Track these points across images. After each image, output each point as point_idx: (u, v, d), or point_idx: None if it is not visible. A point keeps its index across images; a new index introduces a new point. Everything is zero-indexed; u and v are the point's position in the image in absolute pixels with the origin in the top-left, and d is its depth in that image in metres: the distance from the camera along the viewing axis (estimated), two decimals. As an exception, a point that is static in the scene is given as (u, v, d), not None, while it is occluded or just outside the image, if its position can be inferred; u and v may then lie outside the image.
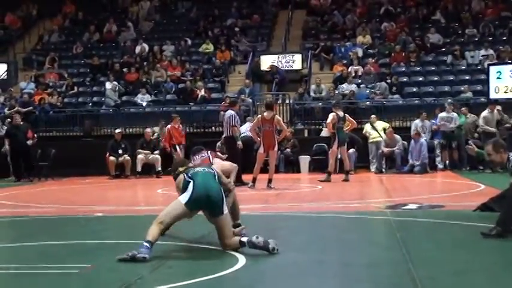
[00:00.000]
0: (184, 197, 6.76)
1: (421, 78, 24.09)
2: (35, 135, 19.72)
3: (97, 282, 5.70)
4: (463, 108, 20.03)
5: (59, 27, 30.43)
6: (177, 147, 19.51)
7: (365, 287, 5.40)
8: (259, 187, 14.68)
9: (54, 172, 19.40)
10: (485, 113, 19.08)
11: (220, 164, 7.84)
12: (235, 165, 8.20)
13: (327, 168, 16.86)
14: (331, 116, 16.20)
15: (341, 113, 16.34)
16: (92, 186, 17.34)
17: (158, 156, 19.84)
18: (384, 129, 19.85)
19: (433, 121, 19.88)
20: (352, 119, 16.92)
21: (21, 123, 19.67)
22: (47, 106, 23.39)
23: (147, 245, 6.44)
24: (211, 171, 7.10)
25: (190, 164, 7.50)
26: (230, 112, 15.82)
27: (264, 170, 15.39)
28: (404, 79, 23.93)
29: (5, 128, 20.95)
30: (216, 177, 7.05)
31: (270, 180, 14.80)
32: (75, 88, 25.43)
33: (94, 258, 6.69)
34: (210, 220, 6.96)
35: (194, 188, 6.77)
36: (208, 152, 8.36)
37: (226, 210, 6.91)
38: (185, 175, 6.96)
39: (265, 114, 14.97)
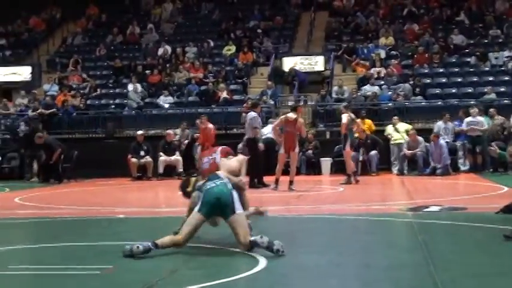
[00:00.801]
0: (197, 206, 6.97)
1: (444, 80, 23.94)
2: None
3: (118, 283, 5.73)
4: (491, 110, 19.77)
5: (83, 29, 30.66)
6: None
7: (384, 289, 5.39)
8: (281, 189, 14.67)
9: (76, 174, 19.52)
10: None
11: (227, 165, 7.68)
12: (242, 157, 8.02)
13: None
14: (345, 117, 16.17)
15: (352, 115, 16.35)
16: (113, 188, 17.43)
17: (180, 158, 19.90)
18: (407, 131, 19.76)
19: (456, 123, 19.75)
20: (359, 122, 16.95)
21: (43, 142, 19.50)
22: (70, 108, 23.55)
23: (150, 243, 6.66)
24: (221, 181, 7.15)
25: (199, 181, 7.52)
26: (252, 114, 15.84)
27: (285, 171, 15.37)
28: (428, 80, 23.80)
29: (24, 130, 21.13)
30: (227, 183, 7.12)
31: (291, 182, 14.80)
32: (98, 90, 25.60)
33: (115, 260, 6.71)
34: (226, 222, 7.02)
35: (204, 194, 6.97)
36: (219, 149, 8.14)
37: (239, 209, 6.98)
38: (200, 193, 7.15)
39: (289, 115, 14.97)
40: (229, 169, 7.56)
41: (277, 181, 14.87)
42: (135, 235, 8.53)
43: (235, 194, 7.06)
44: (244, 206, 7.96)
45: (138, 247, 6.64)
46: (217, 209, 6.94)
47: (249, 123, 15.75)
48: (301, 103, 18.28)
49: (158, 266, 6.35)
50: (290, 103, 20.80)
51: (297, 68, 24.87)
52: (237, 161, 7.82)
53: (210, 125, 19.56)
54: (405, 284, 5.53)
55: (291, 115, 14.92)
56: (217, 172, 7.41)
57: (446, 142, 18.97)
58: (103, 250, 7.44)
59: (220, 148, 8.12)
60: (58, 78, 26.26)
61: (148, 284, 5.51)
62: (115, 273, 6.10)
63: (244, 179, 7.80)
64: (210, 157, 8.02)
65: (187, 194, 7.57)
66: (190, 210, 7.27)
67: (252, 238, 6.79)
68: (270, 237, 6.92)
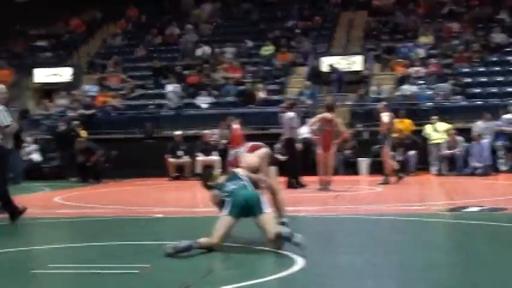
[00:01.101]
0: (226, 209, 7.01)
1: (485, 79, 23.64)
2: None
3: (156, 282, 5.76)
4: None
5: (122, 30, 30.93)
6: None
7: (422, 290, 5.35)
8: (313, 188, 14.68)
9: (115, 173, 19.70)
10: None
11: (247, 161, 7.62)
12: (264, 151, 7.89)
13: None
14: (387, 116, 16.09)
15: (392, 114, 16.33)
16: (151, 188, 17.55)
17: (218, 158, 19.97)
18: (446, 131, 19.58)
19: (497, 123, 19.52)
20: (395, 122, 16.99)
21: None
22: (109, 108, 23.79)
23: (191, 241, 6.73)
24: (242, 183, 7.20)
25: (220, 178, 7.53)
26: (290, 114, 15.83)
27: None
28: (468, 80, 23.53)
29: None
30: (248, 184, 7.20)
31: (328, 182, 14.76)
32: (137, 91, 25.80)
33: (154, 259, 6.76)
34: (255, 222, 7.09)
35: (232, 196, 7.02)
36: (249, 145, 8.05)
37: (267, 209, 7.07)
38: (220, 192, 7.21)
39: (326, 114, 14.94)
40: (248, 165, 7.57)
41: (322, 181, 14.83)
42: (172, 234, 8.60)
43: (261, 195, 7.16)
44: (280, 207, 7.97)
45: (180, 242, 6.72)
46: (247, 210, 7.01)
47: (286, 123, 15.74)
48: (334, 101, 18.15)
49: (195, 265, 6.38)
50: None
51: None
52: (257, 156, 7.78)
53: (235, 126, 19.54)
54: (442, 285, 5.48)
55: (328, 114, 14.89)
56: (236, 171, 7.45)
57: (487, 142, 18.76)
58: (141, 249, 7.49)
59: (251, 144, 8.10)
60: (98, 79, 26.54)
61: (185, 284, 5.54)
62: (153, 272, 6.14)
63: (267, 177, 7.76)
64: (237, 150, 8.07)
65: (207, 187, 7.59)
66: (214, 202, 7.40)
67: (276, 230, 6.87)
68: (307, 237, 6.92)
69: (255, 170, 7.57)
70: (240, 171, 7.42)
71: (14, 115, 22.16)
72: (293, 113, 15.94)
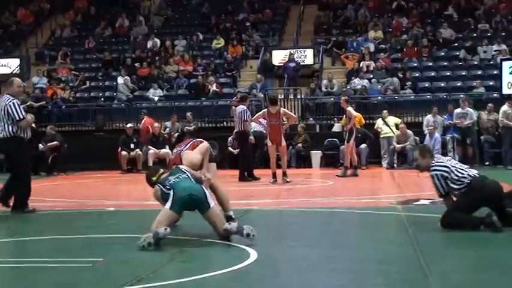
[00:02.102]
0: (168, 203, 7.00)
1: (433, 74, 24.02)
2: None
3: (110, 276, 5.73)
4: (489, 105, 19.64)
5: (71, 22, 30.52)
6: None
7: (376, 282, 5.40)
8: (265, 181, 14.73)
9: (66, 166, 19.49)
10: (505, 107, 18.78)
11: (189, 158, 7.63)
12: (204, 147, 7.83)
13: (338, 163, 16.76)
14: (352, 110, 16.21)
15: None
16: (104, 181, 17.41)
17: (169, 151, 19.86)
18: (396, 125, 19.83)
19: (445, 116, 19.83)
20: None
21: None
22: (59, 101, 23.49)
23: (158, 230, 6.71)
24: (184, 175, 7.23)
25: (163, 173, 7.51)
26: (241, 107, 15.83)
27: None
28: (417, 74, 23.86)
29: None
30: (191, 177, 7.23)
31: (284, 173, 14.82)
32: (87, 83, 25.53)
33: (106, 252, 6.73)
34: (203, 216, 7.13)
35: (175, 190, 7.01)
36: (190, 142, 8.02)
37: (212, 203, 7.13)
38: (162, 187, 7.20)
39: (270, 108, 14.97)
40: (190, 161, 7.57)
41: (274, 175, 14.87)
42: (125, 227, 8.56)
43: (206, 189, 7.18)
44: (223, 202, 7.95)
45: (166, 229, 6.69)
46: (190, 205, 7.03)
47: (238, 116, 15.75)
48: (277, 94, 18.19)
49: (149, 258, 6.35)
50: (280, 97, 20.79)
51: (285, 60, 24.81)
52: (199, 152, 7.75)
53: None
54: (396, 277, 5.55)
55: (272, 108, 14.91)
56: (179, 166, 7.46)
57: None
58: (94, 243, 7.44)
59: (192, 141, 8.07)
60: (47, 70, 26.17)
61: (139, 277, 5.52)
62: (107, 265, 6.11)
63: (208, 172, 7.72)
64: (179, 148, 7.99)
65: (151, 182, 7.57)
66: (157, 198, 7.41)
67: (224, 226, 6.94)
68: (260, 230, 6.96)
69: (195, 166, 7.58)
70: (182, 166, 7.43)
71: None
72: (245, 106, 15.95)
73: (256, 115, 15.84)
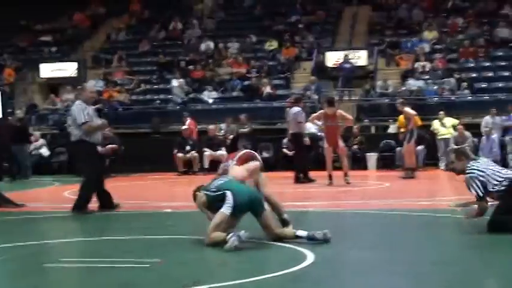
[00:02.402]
0: (228, 207, 6.91)
1: (491, 74, 23.60)
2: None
3: (168, 277, 5.77)
4: None
5: (126, 25, 30.90)
6: None
7: (434, 284, 5.33)
8: (322, 183, 14.66)
9: (123, 168, 19.71)
10: None
11: (235, 175, 7.45)
12: (252, 166, 7.65)
13: (394, 165, 16.57)
14: (410, 110, 16.08)
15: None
16: (160, 183, 17.56)
17: (225, 153, 19.95)
18: (453, 126, 19.54)
19: (504, 117, 19.47)
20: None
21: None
22: (115, 103, 23.80)
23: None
24: (229, 177, 7.30)
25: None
26: (296, 108, 15.80)
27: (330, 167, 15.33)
28: (474, 75, 23.49)
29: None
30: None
31: (345, 174, 14.76)
32: (143, 85, 25.82)
33: (164, 253, 6.78)
34: (257, 219, 7.12)
35: (234, 194, 6.94)
36: (238, 155, 7.84)
37: (266, 206, 7.16)
38: (206, 191, 7.18)
39: (327, 109, 14.92)
40: (235, 178, 7.40)
41: (330, 177, 14.81)
42: (182, 229, 8.64)
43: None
44: (278, 206, 7.83)
45: (245, 231, 6.73)
46: (249, 208, 7.02)
47: (293, 118, 15.72)
48: (334, 96, 18.10)
49: (207, 259, 6.40)
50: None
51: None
52: (247, 170, 7.60)
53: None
54: (455, 280, 5.47)
55: (329, 110, 14.86)
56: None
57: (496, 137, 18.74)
58: (152, 244, 7.50)
59: (240, 154, 7.92)
60: (103, 74, 26.56)
61: (196, 278, 5.55)
62: (164, 266, 6.16)
63: (264, 187, 7.66)
64: (226, 163, 7.86)
65: (194, 197, 7.54)
66: (201, 207, 7.34)
67: (296, 233, 6.99)
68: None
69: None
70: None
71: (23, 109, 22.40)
72: (299, 107, 15.90)
73: (313, 116, 15.82)
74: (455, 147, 7.95)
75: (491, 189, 7.58)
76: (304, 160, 15.96)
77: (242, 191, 7.01)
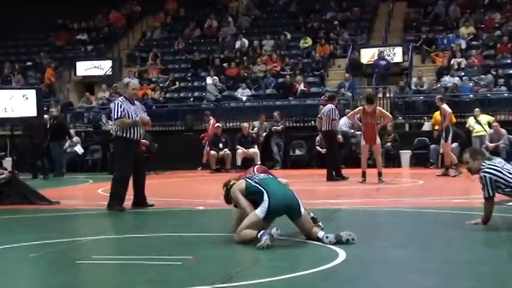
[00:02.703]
0: (262, 211, 6.87)
1: (528, 70, 23.29)
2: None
3: (200, 274, 5.78)
4: None
5: (161, 23, 31.09)
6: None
7: (468, 284, 5.27)
8: (354, 181, 14.60)
9: (156, 166, 19.80)
10: None
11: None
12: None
13: (428, 162, 16.38)
14: (447, 107, 15.95)
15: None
16: (193, 180, 17.64)
17: (257, 151, 20.00)
18: (489, 123, 19.31)
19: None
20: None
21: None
22: (149, 101, 23.95)
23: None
24: (271, 176, 7.28)
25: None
26: (330, 106, 15.75)
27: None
28: (511, 71, 23.16)
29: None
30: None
31: (380, 174, 14.68)
32: (177, 83, 25.94)
33: (196, 250, 6.81)
34: (294, 223, 7.09)
35: (270, 198, 6.87)
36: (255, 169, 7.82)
37: (303, 210, 7.02)
38: (249, 180, 7.14)
39: (366, 107, 14.86)
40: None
41: (364, 174, 14.74)
42: (214, 226, 8.65)
43: (298, 197, 7.08)
44: None
45: (277, 229, 6.69)
46: (284, 213, 7.00)
47: (327, 115, 15.66)
48: (374, 93, 17.97)
49: (239, 257, 6.41)
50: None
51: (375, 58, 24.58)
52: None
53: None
54: (488, 279, 5.41)
55: (368, 107, 14.80)
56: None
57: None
58: (184, 241, 7.54)
59: (256, 167, 7.96)
60: (138, 71, 26.74)
61: (229, 275, 5.56)
62: (196, 263, 6.17)
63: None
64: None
65: (227, 192, 7.54)
66: (237, 201, 7.26)
67: (321, 238, 6.86)
68: (348, 230, 6.91)
69: None
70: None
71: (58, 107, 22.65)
72: (333, 105, 15.85)
73: (352, 112, 15.77)
74: (471, 147, 7.89)
75: (505, 189, 7.50)
76: (336, 158, 15.91)
77: (279, 195, 6.92)
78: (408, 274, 5.67)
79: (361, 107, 15.31)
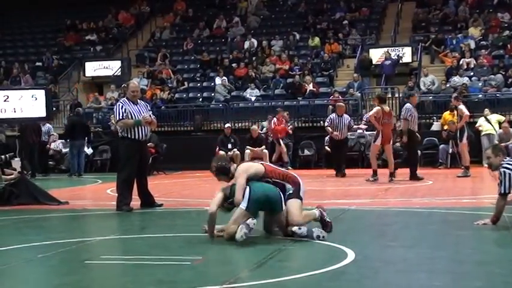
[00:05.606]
0: (244, 201, 7.09)
1: (538, 70, 23.18)
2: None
3: (209, 274, 5.80)
4: None
5: (170, 24, 31.13)
6: (280, 141, 19.67)
7: (477, 284, 5.26)
8: (361, 181, 14.58)
9: (165, 166, 19.85)
10: None
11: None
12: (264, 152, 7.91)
13: (437, 162, 16.28)
14: (464, 108, 15.83)
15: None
16: (201, 180, 17.62)
17: (266, 151, 19.97)
18: (499, 122, 19.24)
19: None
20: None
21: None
22: (158, 101, 23.98)
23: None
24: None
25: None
26: (407, 105, 15.50)
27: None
28: (520, 71, 23.10)
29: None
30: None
31: (391, 174, 14.63)
32: (186, 83, 25.96)
33: (205, 251, 6.82)
34: (269, 215, 7.28)
35: (251, 188, 7.12)
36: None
37: (284, 206, 7.18)
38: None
39: (384, 107, 14.80)
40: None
41: (375, 172, 14.70)
42: (223, 227, 8.62)
43: (280, 193, 7.20)
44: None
45: (252, 219, 6.93)
46: (265, 205, 7.15)
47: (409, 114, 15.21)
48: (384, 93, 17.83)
49: (247, 257, 6.41)
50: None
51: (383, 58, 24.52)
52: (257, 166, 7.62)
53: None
54: (498, 279, 5.39)
55: (385, 107, 14.77)
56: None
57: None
58: (193, 241, 7.53)
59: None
60: (147, 72, 26.78)
61: (238, 275, 5.57)
62: (205, 263, 6.18)
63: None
64: None
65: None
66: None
67: (293, 229, 7.07)
68: (357, 230, 6.90)
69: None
70: None
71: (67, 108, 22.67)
72: (409, 104, 15.52)
73: (372, 113, 15.38)
74: (494, 143, 7.92)
75: None
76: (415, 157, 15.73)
77: (259, 187, 7.15)
78: (417, 274, 5.66)
79: (379, 108, 15.04)
